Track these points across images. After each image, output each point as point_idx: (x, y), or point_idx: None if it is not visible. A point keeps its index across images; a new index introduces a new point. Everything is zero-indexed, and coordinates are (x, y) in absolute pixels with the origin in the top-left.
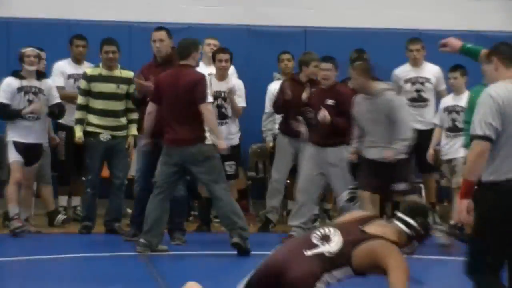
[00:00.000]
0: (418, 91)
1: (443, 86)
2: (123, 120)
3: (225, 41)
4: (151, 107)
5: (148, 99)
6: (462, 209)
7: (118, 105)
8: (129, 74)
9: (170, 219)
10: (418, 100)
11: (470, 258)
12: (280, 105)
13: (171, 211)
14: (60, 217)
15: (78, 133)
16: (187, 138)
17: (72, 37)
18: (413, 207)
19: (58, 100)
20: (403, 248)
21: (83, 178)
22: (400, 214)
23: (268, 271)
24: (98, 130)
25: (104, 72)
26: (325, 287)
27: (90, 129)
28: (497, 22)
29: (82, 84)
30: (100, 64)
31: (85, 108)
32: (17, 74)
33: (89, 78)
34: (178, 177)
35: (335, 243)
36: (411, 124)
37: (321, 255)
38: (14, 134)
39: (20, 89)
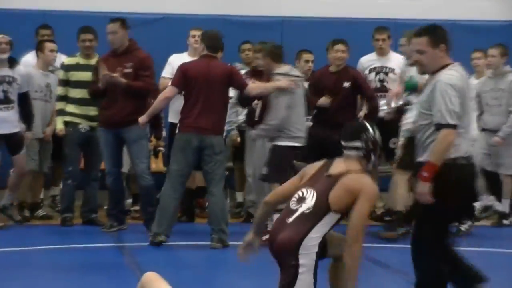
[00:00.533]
0: (381, 81)
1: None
2: None
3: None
4: (172, 92)
5: (109, 89)
6: (426, 191)
7: None
8: None
9: (144, 210)
10: (380, 90)
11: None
12: (246, 97)
13: (142, 201)
14: (40, 212)
15: (59, 125)
16: (211, 128)
17: (37, 28)
18: (349, 130)
19: (26, 89)
20: (368, 168)
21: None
22: (344, 143)
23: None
24: (77, 120)
25: (82, 61)
26: (316, 241)
27: (68, 119)
28: (475, 11)
29: (60, 74)
30: (78, 53)
31: (65, 98)
32: None
33: (67, 67)
34: (194, 165)
35: (310, 198)
36: (281, 114)
37: (301, 215)
38: None
39: None
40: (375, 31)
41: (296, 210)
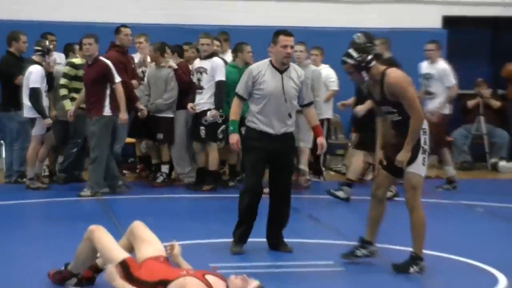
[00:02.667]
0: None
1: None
2: None
3: (161, 37)
4: None
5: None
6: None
7: None
8: None
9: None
10: (427, 93)
11: None
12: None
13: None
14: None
15: (68, 106)
16: None
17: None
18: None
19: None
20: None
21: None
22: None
23: None
24: (83, 105)
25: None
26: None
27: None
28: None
29: (72, 71)
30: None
31: (66, 87)
32: (39, 63)
33: (77, 66)
34: None
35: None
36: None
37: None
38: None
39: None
40: (427, 43)
41: None
